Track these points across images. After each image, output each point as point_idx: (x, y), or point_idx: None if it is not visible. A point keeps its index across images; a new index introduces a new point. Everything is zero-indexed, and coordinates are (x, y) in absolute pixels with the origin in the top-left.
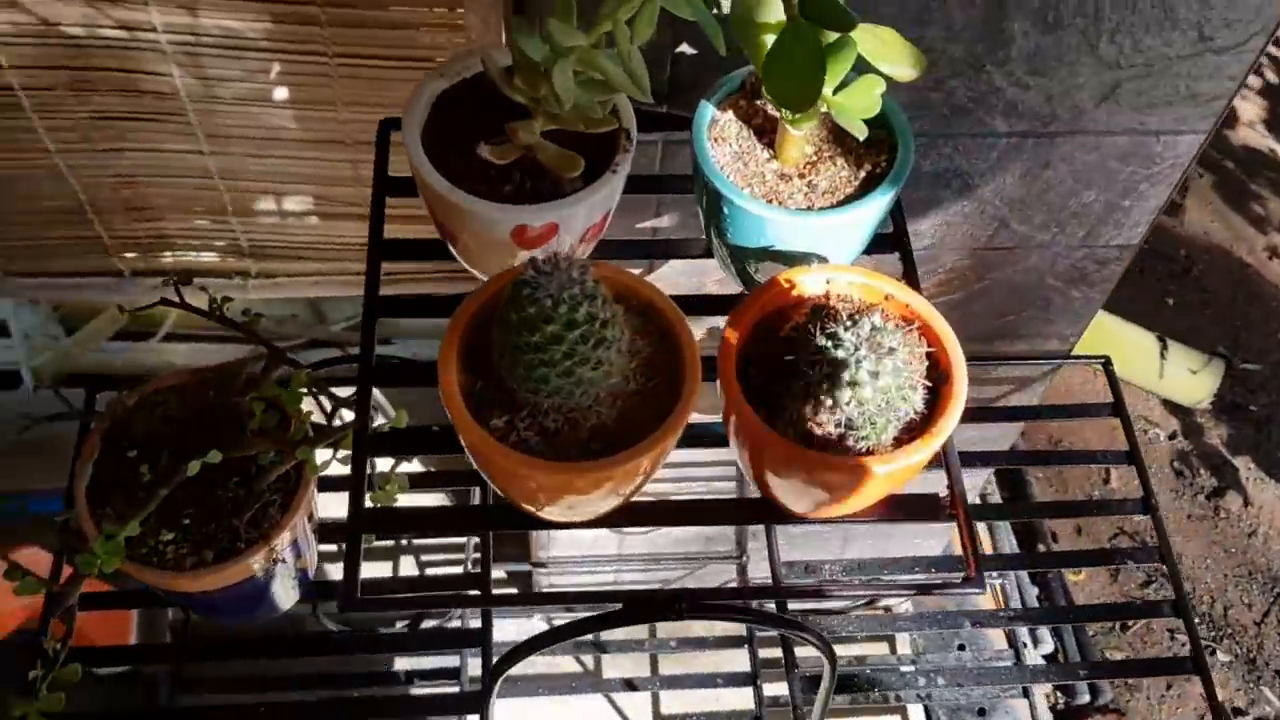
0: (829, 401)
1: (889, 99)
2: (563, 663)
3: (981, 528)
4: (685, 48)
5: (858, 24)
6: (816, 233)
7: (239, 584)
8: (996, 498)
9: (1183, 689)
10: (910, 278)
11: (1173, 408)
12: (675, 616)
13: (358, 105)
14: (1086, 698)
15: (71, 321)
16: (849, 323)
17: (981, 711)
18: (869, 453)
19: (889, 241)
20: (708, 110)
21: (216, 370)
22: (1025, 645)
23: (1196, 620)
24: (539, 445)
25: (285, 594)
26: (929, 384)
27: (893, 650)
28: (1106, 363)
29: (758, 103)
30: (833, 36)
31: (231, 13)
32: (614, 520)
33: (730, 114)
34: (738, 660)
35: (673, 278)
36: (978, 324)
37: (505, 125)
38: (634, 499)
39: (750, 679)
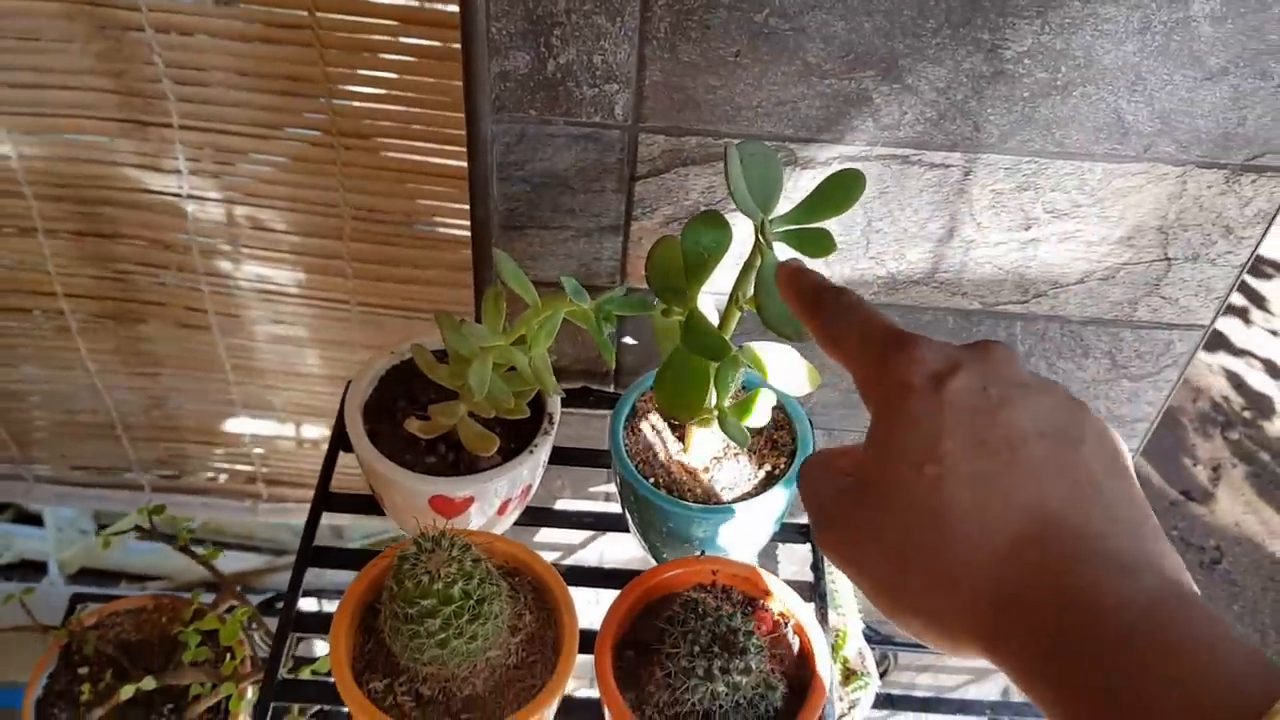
0: (685, 693)
1: (793, 403)
2: None
3: None
4: (629, 339)
5: (731, 353)
6: (710, 525)
7: None
8: None
9: None
10: (818, 569)
11: None
12: None
13: (373, 347)
14: None
15: (103, 518)
16: (712, 619)
17: None
18: None
19: (802, 532)
20: (628, 402)
21: (171, 600)
22: None
23: None
24: (413, 711)
25: None
26: (798, 681)
27: None
28: None
29: None
30: (723, 359)
31: (268, 262)
32: None
33: (651, 406)
34: None
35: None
36: None
37: (429, 406)
38: None
39: None
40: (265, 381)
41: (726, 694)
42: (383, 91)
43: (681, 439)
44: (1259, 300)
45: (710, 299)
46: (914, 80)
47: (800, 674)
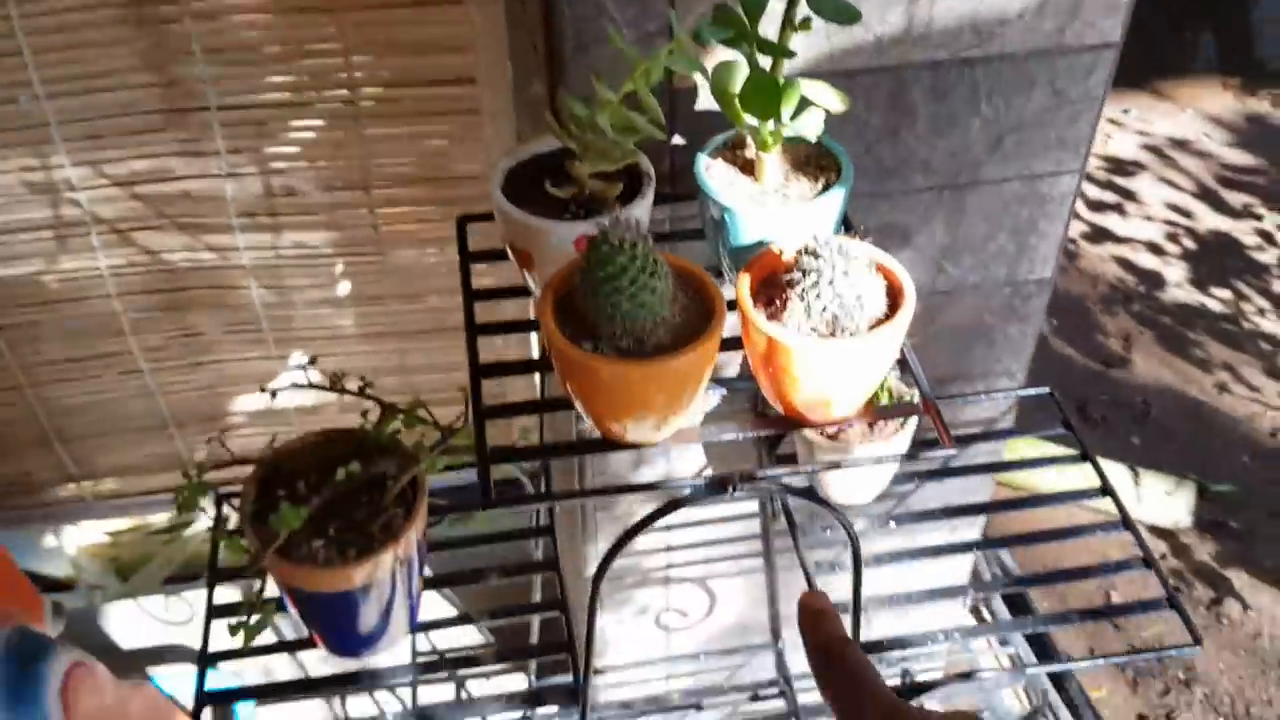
0: (815, 297)
1: (831, 140)
2: None
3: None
4: (678, 139)
5: (794, 54)
6: (794, 221)
7: (375, 584)
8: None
9: None
10: None
11: (1159, 532)
12: (732, 491)
13: (405, 297)
14: None
15: (126, 571)
16: (824, 244)
17: None
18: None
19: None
20: (702, 158)
21: (339, 429)
22: None
23: None
24: (616, 356)
25: (402, 616)
26: (893, 301)
27: None
28: (1052, 393)
29: (738, 152)
30: (783, 81)
31: (302, 229)
32: (672, 440)
33: (719, 160)
34: None
35: None
36: (938, 367)
37: (564, 163)
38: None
39: None
40: (307, 350)
41: (847, 292)
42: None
43: (751, 174)
44: (1129, 195)
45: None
46: None
47: (893, 296)
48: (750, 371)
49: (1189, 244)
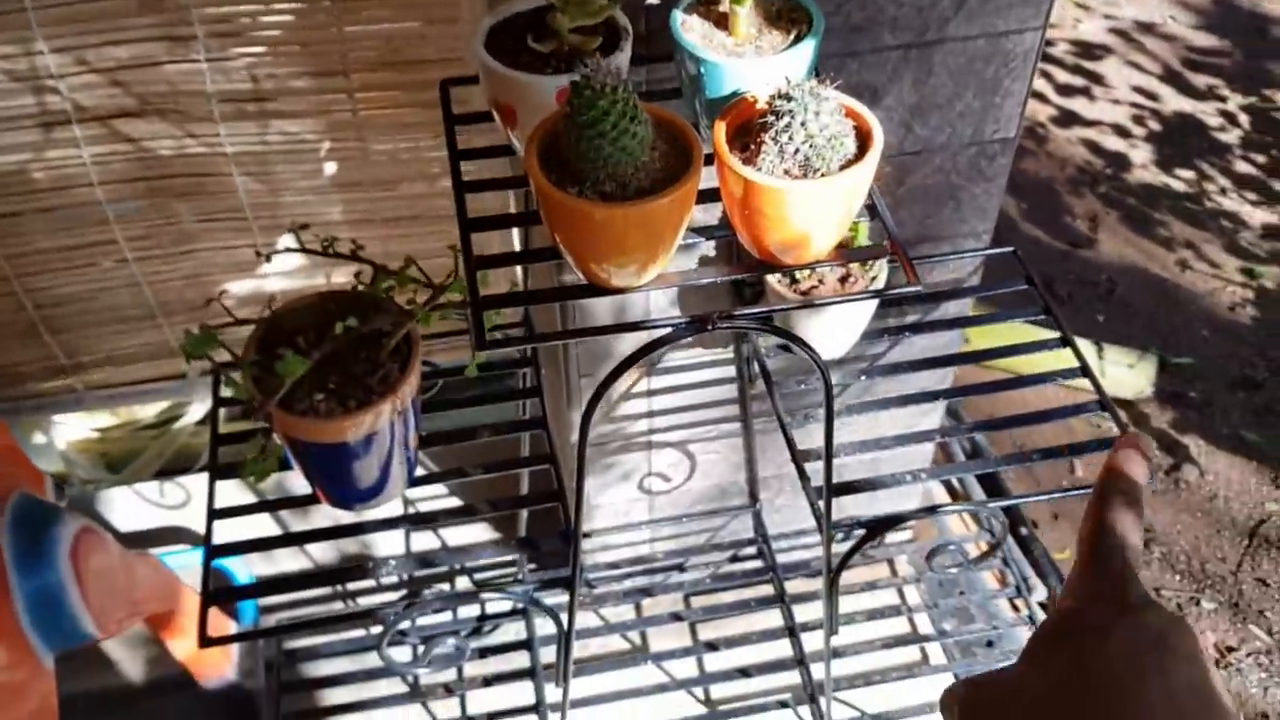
0: (787, 139)
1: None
2: (611, 642)
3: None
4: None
5: None
6: (768, 72)
7: (374, 436)
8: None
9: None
10: None
11: (1121, 403)
12: (711, 329)
13: (386, 184)
14: None
15: (117, 466)
16: (796, 87)
17: (990, 644)
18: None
19: None
20: (677, 14)
21: (336, 290)
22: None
23: (1178, 578)
24: (600, 200)
25: (400, 471)
26: (861, 143)
27: (903, 600)
28: (1016, 252)
29: (712, 7)
30: None
31: (283, 117)
32: (653, 284)
33: (694, 16)
34: (772, 619)
35: None
36: (906, 228)
37: (546, 16)
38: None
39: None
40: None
41: (819, 133)
42: None
43: (725, 28)
44: (1097, 79)
45: None
46: None
47: (862, 140)
48: (727, 223)
49: (1154, 126)
